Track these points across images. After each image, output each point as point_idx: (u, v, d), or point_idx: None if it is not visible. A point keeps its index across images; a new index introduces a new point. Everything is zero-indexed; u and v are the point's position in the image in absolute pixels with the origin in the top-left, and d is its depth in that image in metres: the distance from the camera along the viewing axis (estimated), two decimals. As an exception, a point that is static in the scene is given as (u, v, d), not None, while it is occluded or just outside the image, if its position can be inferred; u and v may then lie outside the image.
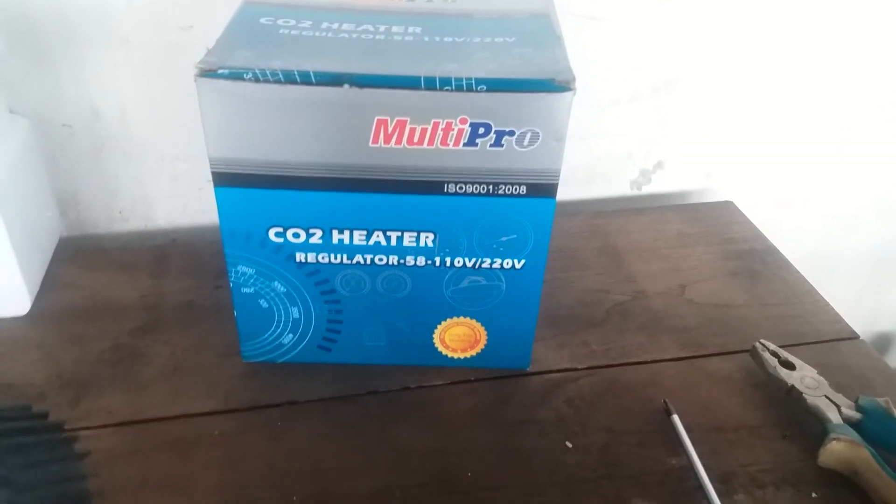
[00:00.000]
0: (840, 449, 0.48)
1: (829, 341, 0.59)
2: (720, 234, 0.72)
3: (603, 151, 0.75)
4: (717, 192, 0.81)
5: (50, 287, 0.61)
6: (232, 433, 0.50)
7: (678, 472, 0.48)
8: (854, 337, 0.60)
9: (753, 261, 0.68)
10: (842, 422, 0.50)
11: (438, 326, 0.53)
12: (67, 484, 0.21)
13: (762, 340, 0.56)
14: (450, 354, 0.55)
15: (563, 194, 0.76)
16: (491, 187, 0.45)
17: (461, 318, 0.53)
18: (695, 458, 0.48)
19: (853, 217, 0.87)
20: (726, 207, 0.76)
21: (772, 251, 0.70)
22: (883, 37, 0.75)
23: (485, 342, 0.54)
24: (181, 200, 0.69)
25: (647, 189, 0.79)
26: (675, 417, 0.51)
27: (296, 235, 0.48)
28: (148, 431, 0.50)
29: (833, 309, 0.63)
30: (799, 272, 0.67)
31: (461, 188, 0.45)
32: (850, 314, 0.62)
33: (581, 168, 0.76)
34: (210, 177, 0.69)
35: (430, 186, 0.45)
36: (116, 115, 0.64)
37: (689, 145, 0.77)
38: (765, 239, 0.71)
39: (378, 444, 0.50)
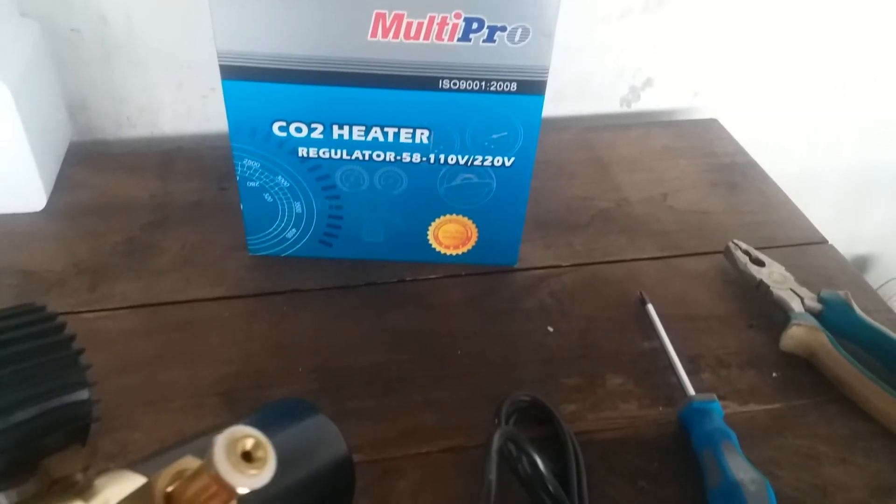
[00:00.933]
0: (800, 333, 0.52)
1: (799, 245, 0.63)
2: (704, 149, 0.75)
3: (594, 67, 0.78)
4: (703, 110, 0.83)
5: (63, 186, 0.65)
6: (241, 315, 0.54)
7: (650, 353, 0.53)
8: (823, 241, 0.64)
9: (734, 173, 0.72)
10: (804, 311, 0.54)
11: (432, 223, 0.57)
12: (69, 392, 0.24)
13: (735, 240, 0.59)
14: (443, 251, 0.59)
15: (554, 110, 0.79)
16: (483, 84, 0.48)
17: (454, 216, 0.56)
18: (666, 341, 0.53)
19: (836, 140, 0.90)
20: (711, 125, 0.79)
21: (752, 165, 0.73)
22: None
23: (475, 239, 0.58)
24: (185, 108, 0.72)
25: (636, 106, 0.82)
26: (650, 307, 0.55)
27: (298, 130, 0.51)
28: (161, 313, 0.54)
29: (805, 216, 0.66)
30: (776, 184, 0.70)
31: (455, 84, 0.48)
32: (829, 237, 0.65)
33: (573, 84, 0.78)
34: (213, 84, 0.72)
35: (425, 82, 0.48)
36: (123, 21, 0.66)
37: (677, 63, 0.80)
38: (746, 154, 0.74)
39: (375, 327, 0.54)
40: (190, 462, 0.23)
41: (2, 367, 0.23)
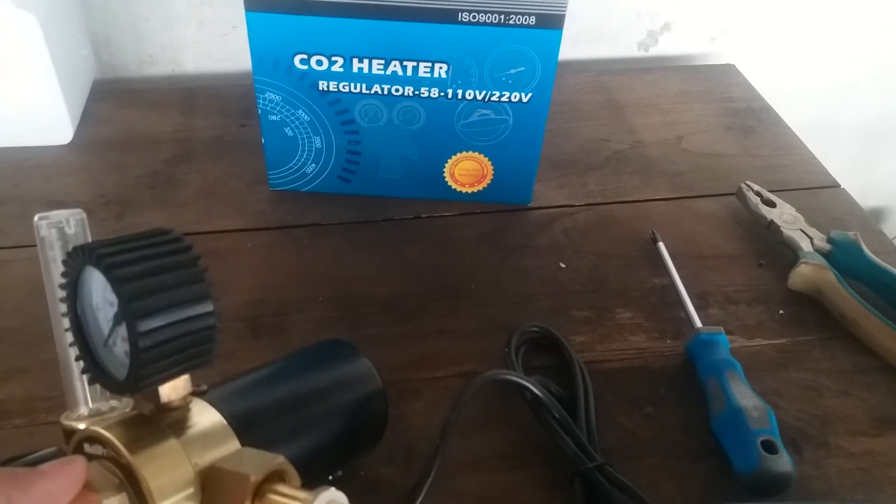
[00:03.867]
0: (808, 271, 0.53)
1: (812, 188, 0.64)
2: (719, 94, 0.75)
3: (613, 10, 0.77)
4: (720, 56, 0.83)
5: (88, 121, 0.66)
6: (262, 246, 0.56)
7: (660, 289, 0.54)
8: (835, 185, 0.64)
9: (748, 118, 0.72)
10: (812, 250, 0.55)
11: (449, 160, 0.58)
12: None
13: (747, 182, 0.60)
14: (458, 188, 0.60)
15: (572, 53, 0.79)
16: (502, 17, 0.48)
17: (470, 153, 0.57)
18: (676, 278, 0.54)
19: (851, 87, 0.90)
20: (727, 70, 0.79)
21: (767, 110, 0.73)
22: None
23: (491, 177, 0.59)
24: (207, 46, 0.73)
25: (654, 51, 0.81)
26: (661, 245, 0.56)
27: (318, 63, 0.52)
28: (186, 243, 0.56)
29: (818, 161, 0.67)
30: (790, 128, 0.71)
31: (474, 17, 0.48)
32: (843, 187, 0.65)
33: (591, 27, 0.78)
34: (235, 23, 0.73)
35: (444, 14, 0.48)
36: (144, -42, 0.67)
37: (696, 8, 0.79)
38: (761, 99, 0.74)
39: (393, 260, 0.56)
40: (285, 465, 0.27)
41: (141, 278, 0.26)
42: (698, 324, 0.50)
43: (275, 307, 0.51)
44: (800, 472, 0.43)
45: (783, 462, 0.41)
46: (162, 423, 0.28)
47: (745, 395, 0.44)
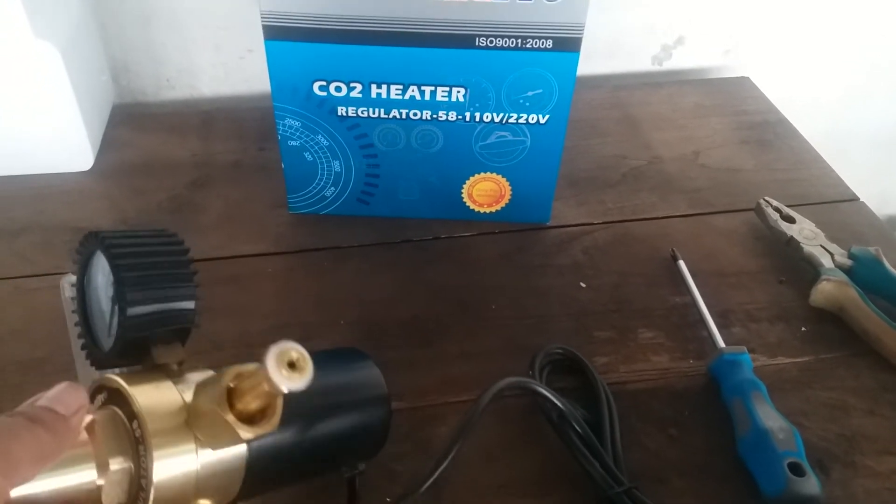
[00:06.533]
0: (829, 288, 0.53)
1: (831, 202, 0.64)
2: (735, 107, 0.75)
3: (626, 24, 0.77)
4: (734, 69, 0.83)
5: (108, 147, 0.67)
6: (283, 270, 0.56)
7: (681, 308, 0.54)
8: (854, 199, 0.64)
9: (765, 131, 0.72)
10: (834, 266, 0.55)
11: (467, 181, 0.58)
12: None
13: (766, 197, 0.60)
14: (477, 209, 0.60)
15: (586, 68, 0.79)
16: (519, 41, 0.49)
17: (488, 174, 0.57)
18: (697, 296, 0.54)
19: (867, 96, 0.89)
20: (742, 83, 0.79)
21: (783, 123, 0.73)
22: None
23: (509, 197, 0.59)
24: (223, 69, 0.73)
25: (668, 65, 0.81)
26: (681, 263, 0.56)
27: (338, 89, 0.52)
28: (208, 269, 0.55)
29: (836, 174, 0.66)
30: (807, 142, 0.70)
31: (491, 42, 0.49)
32: (862, 197, 0.65)
33: (604, 41, 0.78)
34: (251, 46, 0.73)
35: (462, 40, 0.49)
36: (162, -16, 0.67)
37: (709, 21, 0.79)
38: (777, 112, 0.74)
39: (413, 281, 0.56)
40: (250, 366, 0.27)
41: (133, 269, 0.29)
42: (721, 343, 0.50)
43: (297, 331, 0.52)
44: (826, 493, 0.42)
45: (811, 485, 0.41)
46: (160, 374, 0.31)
47: (770, 417, 0.44)
